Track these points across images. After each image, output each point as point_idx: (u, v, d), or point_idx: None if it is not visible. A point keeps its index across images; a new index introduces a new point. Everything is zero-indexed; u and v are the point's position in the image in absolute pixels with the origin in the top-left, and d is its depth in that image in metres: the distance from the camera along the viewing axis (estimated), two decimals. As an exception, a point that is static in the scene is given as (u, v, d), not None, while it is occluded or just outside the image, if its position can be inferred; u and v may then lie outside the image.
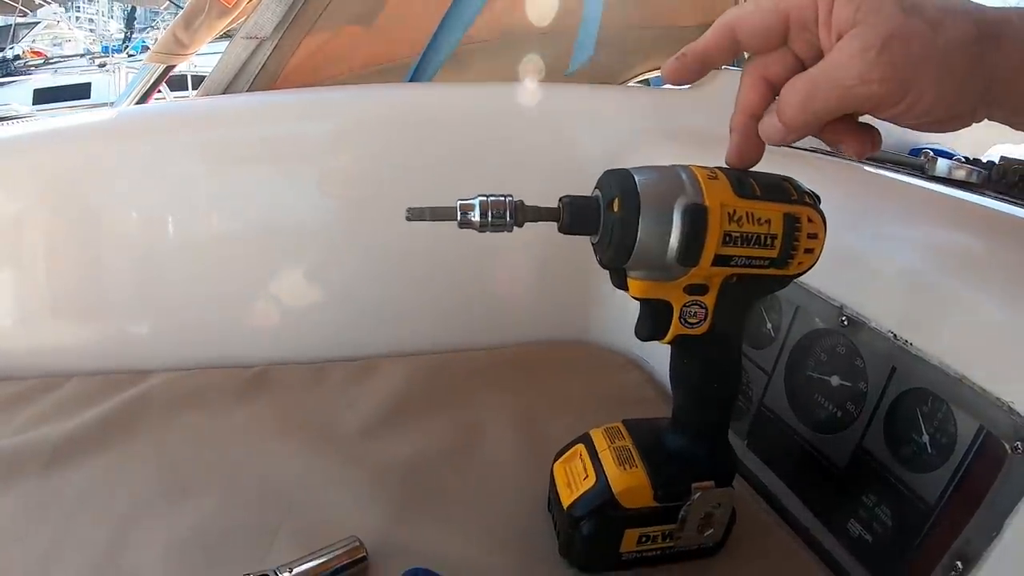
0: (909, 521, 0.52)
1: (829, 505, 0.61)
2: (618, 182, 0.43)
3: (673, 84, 0.44)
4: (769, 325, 0.71)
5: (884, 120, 0.39)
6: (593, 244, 0.46)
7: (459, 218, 0.43)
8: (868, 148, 0.44)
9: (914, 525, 0.52)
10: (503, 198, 0.44)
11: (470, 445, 0.74)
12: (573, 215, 0.44)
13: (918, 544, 0.51)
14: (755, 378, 0.71)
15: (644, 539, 0.54)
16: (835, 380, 0.63)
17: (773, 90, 0.44)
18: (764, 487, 0.68)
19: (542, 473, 0.61)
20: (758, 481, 0.69)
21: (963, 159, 0.86)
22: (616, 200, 0.43)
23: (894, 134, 1.14)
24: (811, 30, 0.39)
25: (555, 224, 0.46)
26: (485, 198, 0.43)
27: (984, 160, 0.89)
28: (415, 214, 0.43)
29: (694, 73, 0.44)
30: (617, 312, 0.96)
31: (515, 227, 0.44)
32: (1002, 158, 0.80)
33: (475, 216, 0.43)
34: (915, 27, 0.35)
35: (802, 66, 0.42)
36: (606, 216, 0.44)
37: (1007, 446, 0.46)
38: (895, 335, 0.56)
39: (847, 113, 0.40)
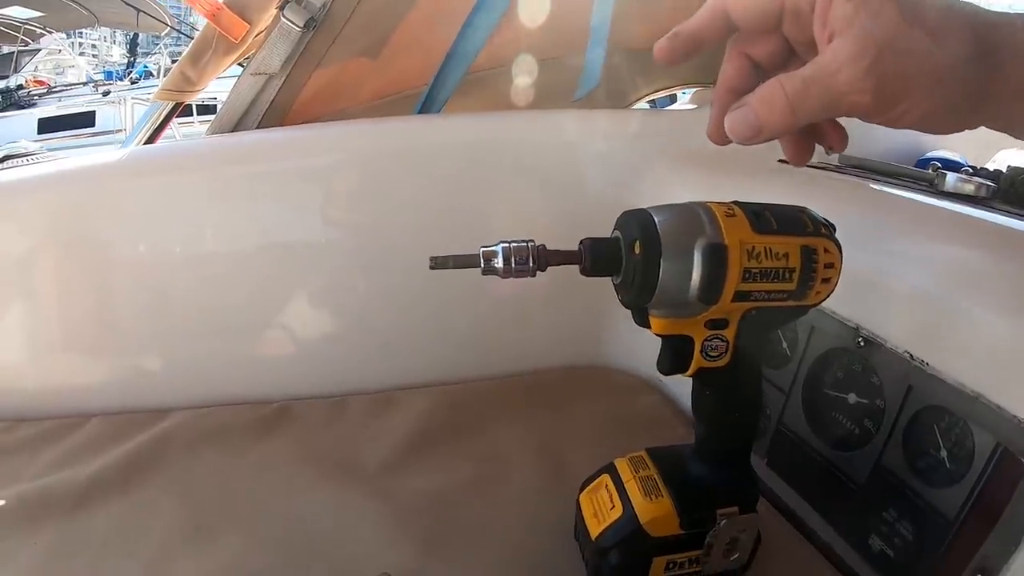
0: (929, 536, 0.53)
1: (850, 521, 0.61)
2: (638, 224, 0.44)
3: (664, 64, 0.43)
4: (785, 345, 0.71)
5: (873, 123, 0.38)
6: (615, 284, 0.47)
7: (482, 265, 0.44)
8: (842, 145, 0.43)
9: (935, 540, 0.52)
10: (525, 244, 0.44)
11: (494, 475, 0.74)
12: (595, 258, 0.45)
13: (939, 559, 0.52)
14: (773, 397, 0.71)
15: (671, 566, 0.54)
16: (852, 398, 0.63)
17: (756, 69, 0.43)
18: (785, 505, 0.68)
19: (566, 501, 0.62)
20: (779, 499, 0.69)
21: (970, 170, 0.87)
22: (637, 242, 0.43)
23: (896, 142, 1.14)
24: (804, 19, 0.37)
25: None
26: (508, 244, 0.44)
27: (991, 169, 0.90)
28: (438, 263, 0.44)
29: (684, 54, 0.42)
30: (631, 335, 0.95)
31: (538, 272, 0.44)
32: (1009, 167, 0.80)
33: (498, 263, 0.43)
34: (915, 39, 0.34)
35: (789, 51, 0.42)
36: (628, 258, 0.44)
37: (1024, 462, 0.46)
38: (911, 355, 0.56)
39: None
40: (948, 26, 0.34)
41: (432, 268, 0.44)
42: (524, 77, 1.08)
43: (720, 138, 0.42)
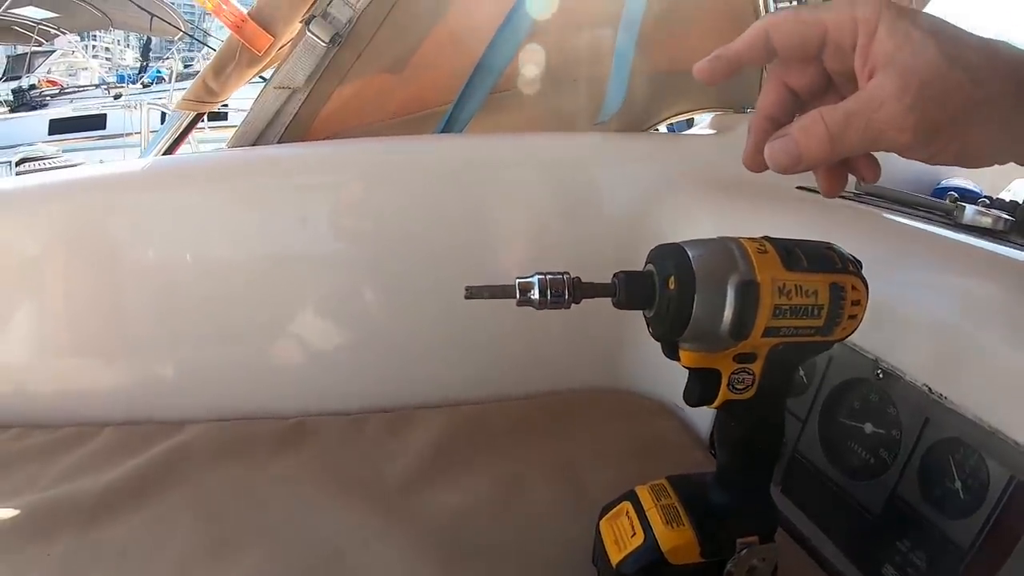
0: (943, 566, 0.53)
1: (864, 550, 0.61)
2: (673, 259, 0.44)
3: (704, 83, 0.43)
4: (802, 373, 0.71)
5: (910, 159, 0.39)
6: (647, 318, 0.47)
7: (518, 297, 0.44)
8: (875, 177, 0.44)
9: (948, 570, 0.52)
10: (561, 276, 0.44)
11: (512, 498, 0.74)
12: (629, 292, 0.45)
13: (953, 588, 0.52)
14: (789, 425, 0.71)
15: (690, 593, 0.55)
16: (868, 428, 0.64)
17: (794, 99, 0.44)
18: (799, 533, 0.68)
19: (585, 525, 0.62)
20: (793, 527, 0.69)
21: (987, 201, 0.87)
22: (672, 277, 0.44)
23: (912, 170, 1.15)
24: (846, 51, 0.38)
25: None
26: (544, 276, 0.44)
27: (1007, 200, 0.90)
28: (473, 292, 0.44)
29: (725, 74, 0.43)
30: (650, 359, 0.95)
31: (572, 304, 0.45)
32: (1027, 198, 0.81)
33: (535, 295, 0.44)
34: (956, 79, 0.34)
35: (827, 82, 0.42)
36: (661, 292, 0.45)
37: (1038, 495, 0.46)
38: (930, 388, 0.57)
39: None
40: (988, 65, 0.35)
41: (467, 298, 0.44)
42: (547, 99, 1.08)
43: (757, 165, 0.43)
